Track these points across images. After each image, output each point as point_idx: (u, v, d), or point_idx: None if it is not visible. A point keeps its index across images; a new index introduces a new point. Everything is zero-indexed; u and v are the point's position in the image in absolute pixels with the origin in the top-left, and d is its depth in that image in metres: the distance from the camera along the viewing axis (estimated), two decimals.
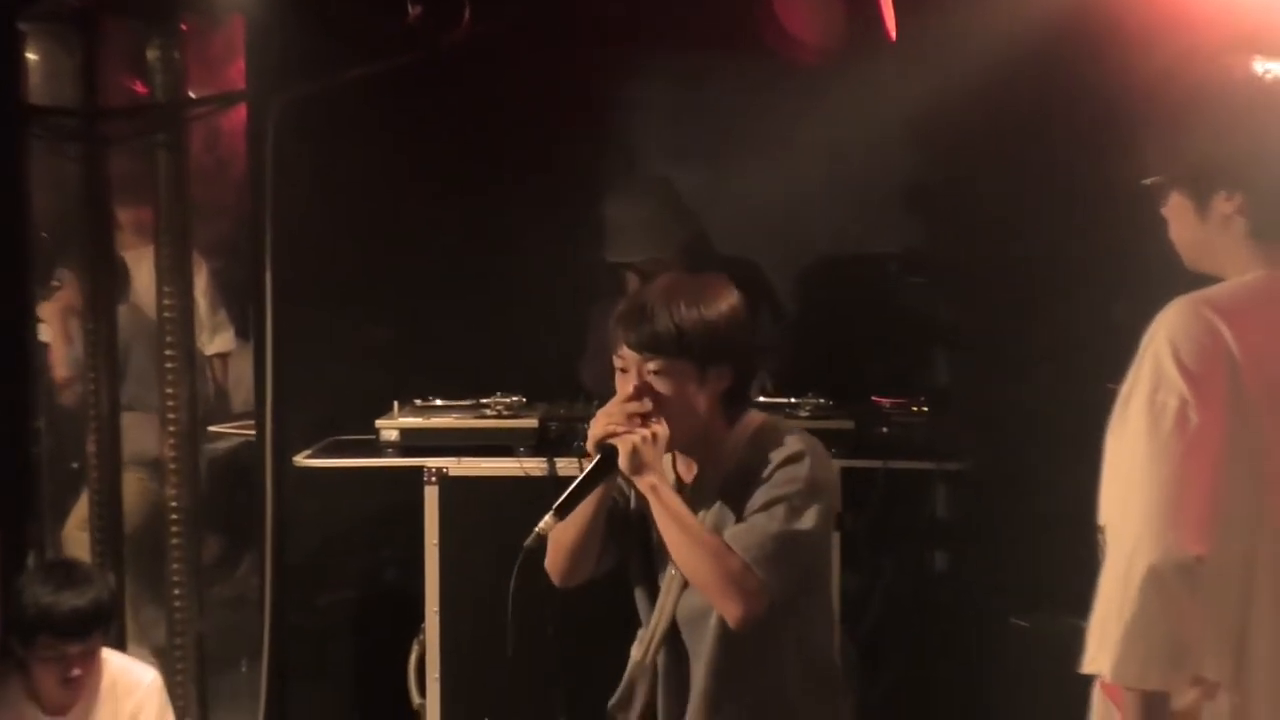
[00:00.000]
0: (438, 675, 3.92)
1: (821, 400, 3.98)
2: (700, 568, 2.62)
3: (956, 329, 4.58)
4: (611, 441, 2.63)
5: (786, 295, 4.78)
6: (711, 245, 4.58)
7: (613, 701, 2.86)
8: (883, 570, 4.05)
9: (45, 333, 4.71)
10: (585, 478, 2.65)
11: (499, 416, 4.00)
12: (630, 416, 2.64)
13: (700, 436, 2.72)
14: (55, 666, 3.65)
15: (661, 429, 2.63)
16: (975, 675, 3.92)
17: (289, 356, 4.28)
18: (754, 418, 2.77)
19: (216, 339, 5.15)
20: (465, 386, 4.14)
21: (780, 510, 2.61)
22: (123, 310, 4.64)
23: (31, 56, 4.40)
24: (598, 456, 2.65)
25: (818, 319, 4.79)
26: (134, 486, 4.65)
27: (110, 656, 3.84)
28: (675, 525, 2.63)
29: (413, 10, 4.05)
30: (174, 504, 4.40)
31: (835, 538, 3.27)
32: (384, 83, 4.23)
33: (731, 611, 2.60)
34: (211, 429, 4.84)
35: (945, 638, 4.02)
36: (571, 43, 4.51)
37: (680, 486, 2.76)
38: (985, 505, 4.05)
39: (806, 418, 3.88)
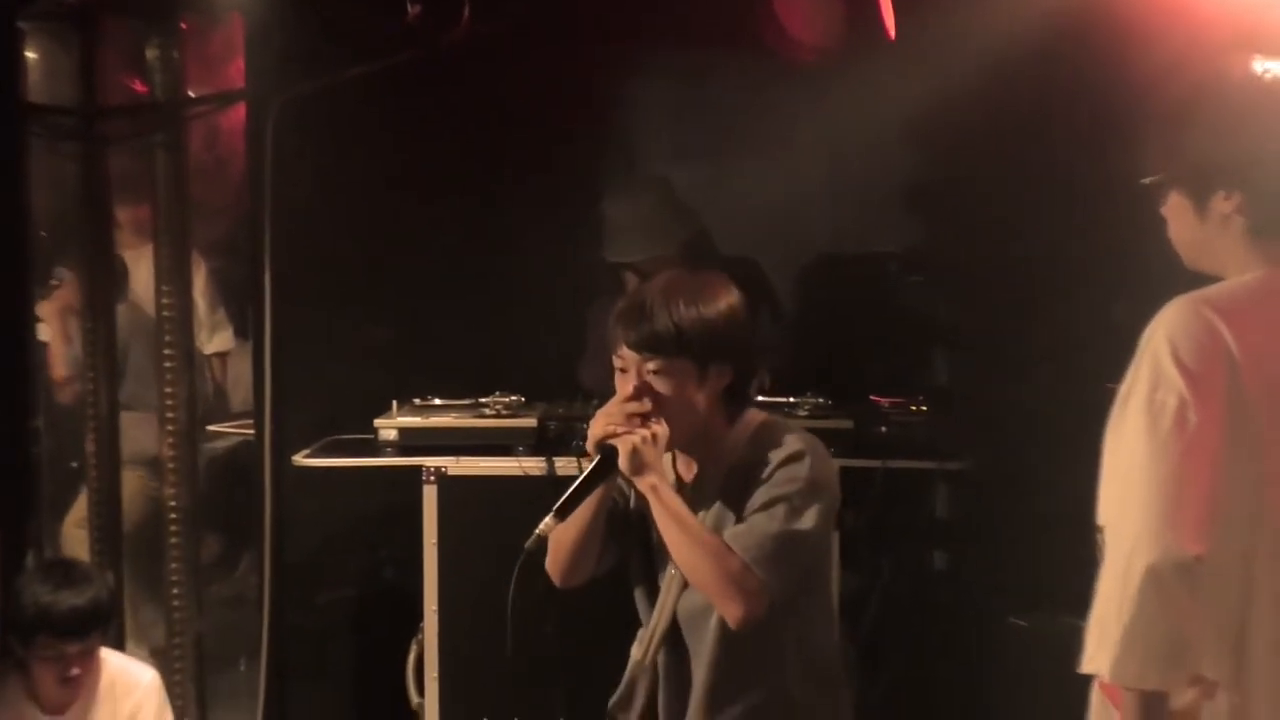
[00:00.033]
0: (436, 675, 3.91)
1: (820, 400, 3.97)
2: (700, 568, 2.62)
3: (956, 329, 4.57)
4: (611, 442, 2.63)
5: (786, 294, 4.78)
6: (711, 244, 4.58)
7: (613, 701, 2.86)
8: (882, 570, 4.04)
9: (44, 332, 4.71)
10: (585, 479, 2.64)
11: (498, 416, 4.00)
12: (630, 417, 2.64)
13: (700, 435, 2.72)
14: (54, 666, 3.65)
15: (661, 429, 2.63)
16: (974, 675, 3.92)
17: (288, 356, 4.28)
18: (754, 416, 2.77)
19: (215, 338, 5.15)
20: (464, 386, 4.14)
21: (780, 510, 2.61)
22: (121, 309, 4.64)
23: (31, 55, 4.40)
24: (598, 457, 2.65)
25: (817, 318, 4.79)
26: (133, 485, 4.65)
27: (109, 656, 3.84)
28: (675, 525, 2.63)
29: (412, 9, 4.05)
30: (173, 503, 4.39)
31: (835, 537, 3.25)
32: (383, 82, 4.23)
33: (732, 611, 2.60)
34: (210, 428, 4.84)
35: (944, 637, 4.01)
36: (571, 41, 4.50)
37: (680, 486, 2.76)
38: (984, 505, 4.05)
39: (805, 417, 3.88)
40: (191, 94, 4.49)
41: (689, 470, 2.78)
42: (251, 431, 4.37)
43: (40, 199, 4.38)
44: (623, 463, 2.62)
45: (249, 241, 4.38)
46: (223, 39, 4.62)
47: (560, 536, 2.70)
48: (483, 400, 4.06)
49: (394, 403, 4.08)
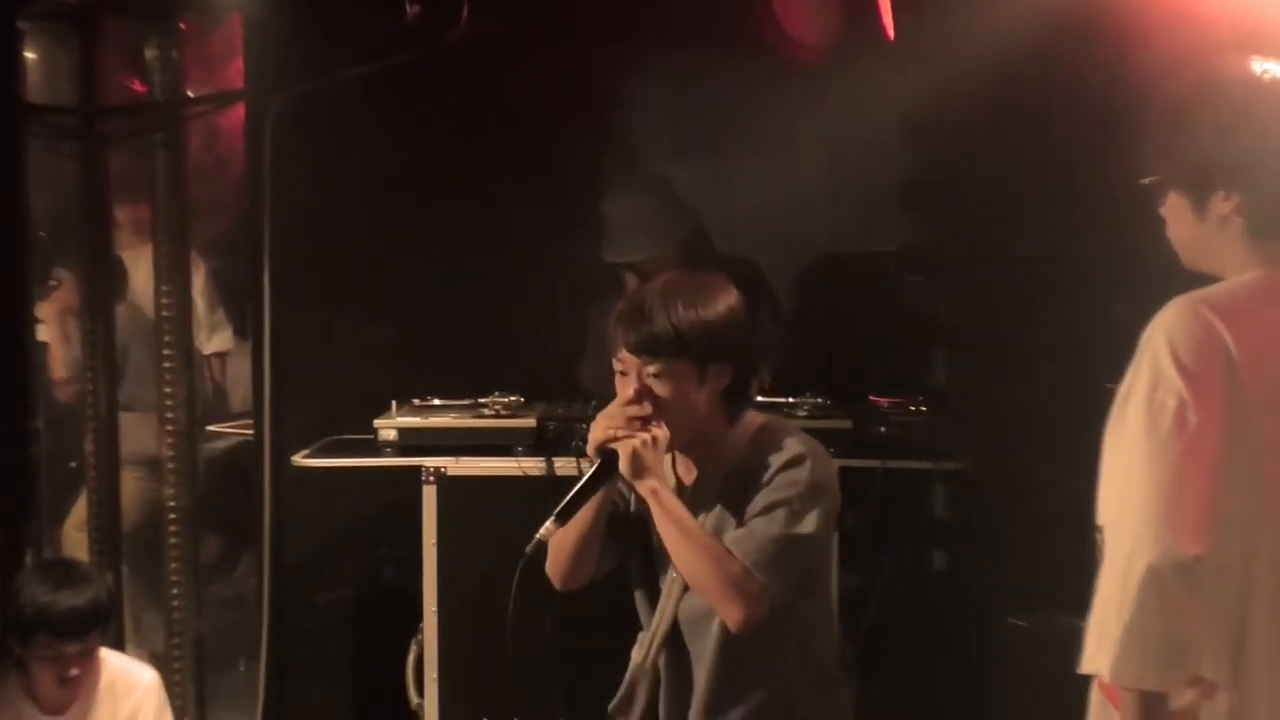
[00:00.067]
0: (436, 675, 3.91)
1: (820, 400, 3.97)
2: (700, 571, 2.62)
3: (955, 329, 4.57)
4: (612, 446, 2.63)
5: (785, 294, 4.78)
6: (711, 244, 4.57)
7: (613, 704, 2.86)
8: (881, 570, 4.04)
9: (43, 333, 4.71)
10: (585, 482, 2.64)
11: (497, 416, 4.00)
12: (630, 420, 2.64)
13: (700, 436, 2.72)
14: (53, 666, 3.65)
15: (661, 432, 2.63)
16: (974, 675, 3.91)
17: (287, 356, 4.28)
18: (754, 418, 2.77)
19: (215, 338, 5.15)
20: (464, 386, 4.14)
21: (780, 514, 2.61)
22: (120, 310, 4.64)
23: (30, 55, 4.40)
24: (598, 461, 2.65)
25: (817, 318, 4.79)
26: (132, 486, 4.65)
27: (109, 656, 3.84)
28: (675, 528, 2.63)
29: (411, 9, 4.05)
30: (172, 503, 4.40)
31: (834, 539, 3.25)
32: (382, 82, 4.23)
33: (732, 615, 2.60)
34: (210, 428, 4.84)
35: (944, 637, 4.01)
36: (571, 41, 4.50)
37: (680, 489, 2.76)
38: (984, 505, 4.05)
39: (805, 417, 3.88)
40: (191, 94, 4.49)
41: (689, 474, 2.78)
42: (251, 432, 4.37)
43: (39, 199, 4.38)
44: (623, 466, 2.62)
45: (248, 241, 4.38)
46: (222, 39, 4.62)
47: (560, 540, 2.71)
48: (482, 400, 4.06)
49: (393, 403, 4.08)
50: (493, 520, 3.77)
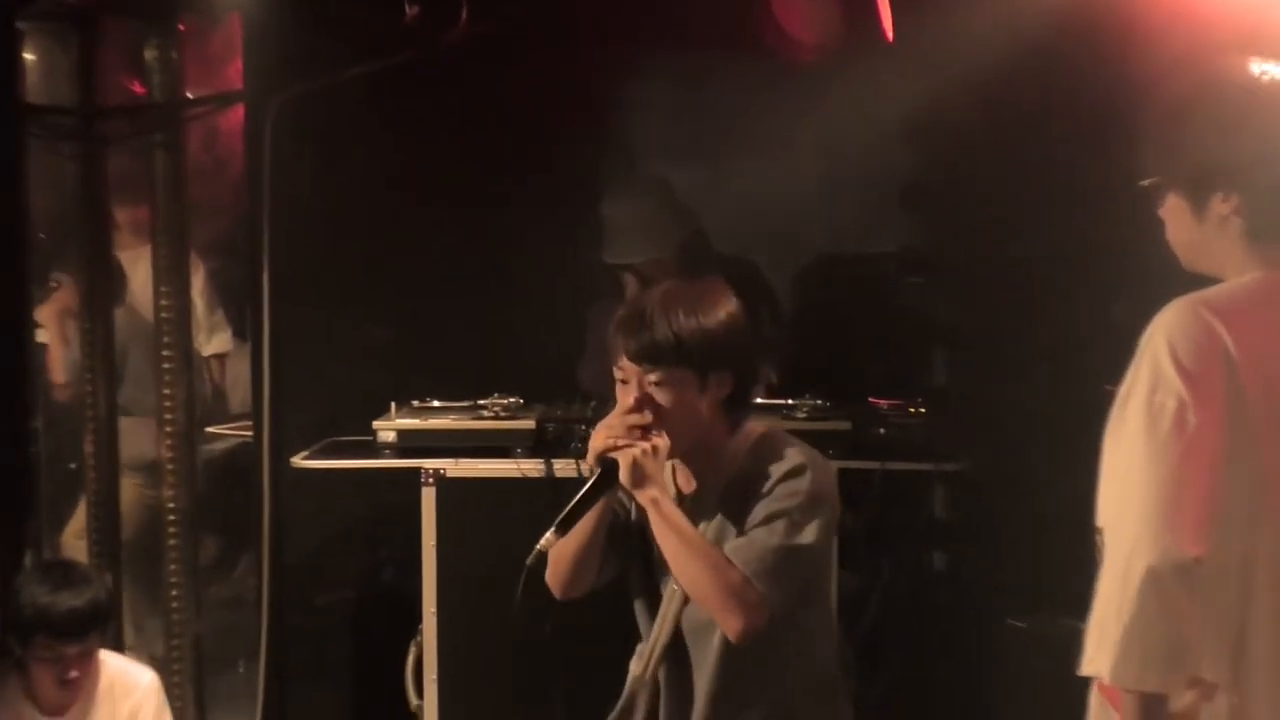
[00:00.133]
0: (435, 676, 3.91)
1: (819, 401, 3.97)
2: (700, 580, 2.62)
3: (955, 329, 4.57)
4: (612, 455, 2.63)
5: (785, 295, 4.78)
6: (710, 245, 4.58)
7: (612, 717, 2.85)
8: (881, 571, 4.04)
9: (43, 335, 4.71)
10: (585, 492, 2.64)
11: (496, 418, 4.00)
12: (631, 429, 2.63)
13: (700, 444, 2.72)
14: (53, 667, 3.65)
15: (662, 441, 2.63)
16: (973, 676, 3.91)
17: (287, 357, 4.28)
18: (755, 427, 2.77)
19: (214, 339, 5.14)
20: (463, 387, 4.13)
21: (781, 525, 2.61)
22: (119, 313, 4.64)
23: (29, 56, 4.40)
24: (598, 470, 2.65)
25: (816, 319, 4.79)
26: (130, 493, 4.65)
27: (108, 658, 3.84)
28: (675, 538, 2.62)
29: (410, 10, 4.04)
30: (171, 505, 4.39)
31: (834, 545, 3.24)
32: (382, 82, 4.23)
33: (732, 625, 2.60)
34: (209, 430, 4.83)
35: (943, 639, 4.01)
36: (570, 42, 4.50)
37: (680, 499, 2.75)
38: (983, 506, 4.05)
39: (804, 419, 3.88)
40: (190, 95, 4.49)
41: (689, 483, 2.78)
42: (250, 433, 4.37)
43: (39, 200, 4.38)
44: (624, 476, 2.62)
45: (247, 243, 4.38)
46: (221, 40, 4.61)
47: (560, 549, 2.70)
48: (481, 402, 4.05)
49: (393, 404, 4.08)
50: (492, 522, 3.77)
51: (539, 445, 3.91)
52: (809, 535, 2.62)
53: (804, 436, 2.87)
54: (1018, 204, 4.10)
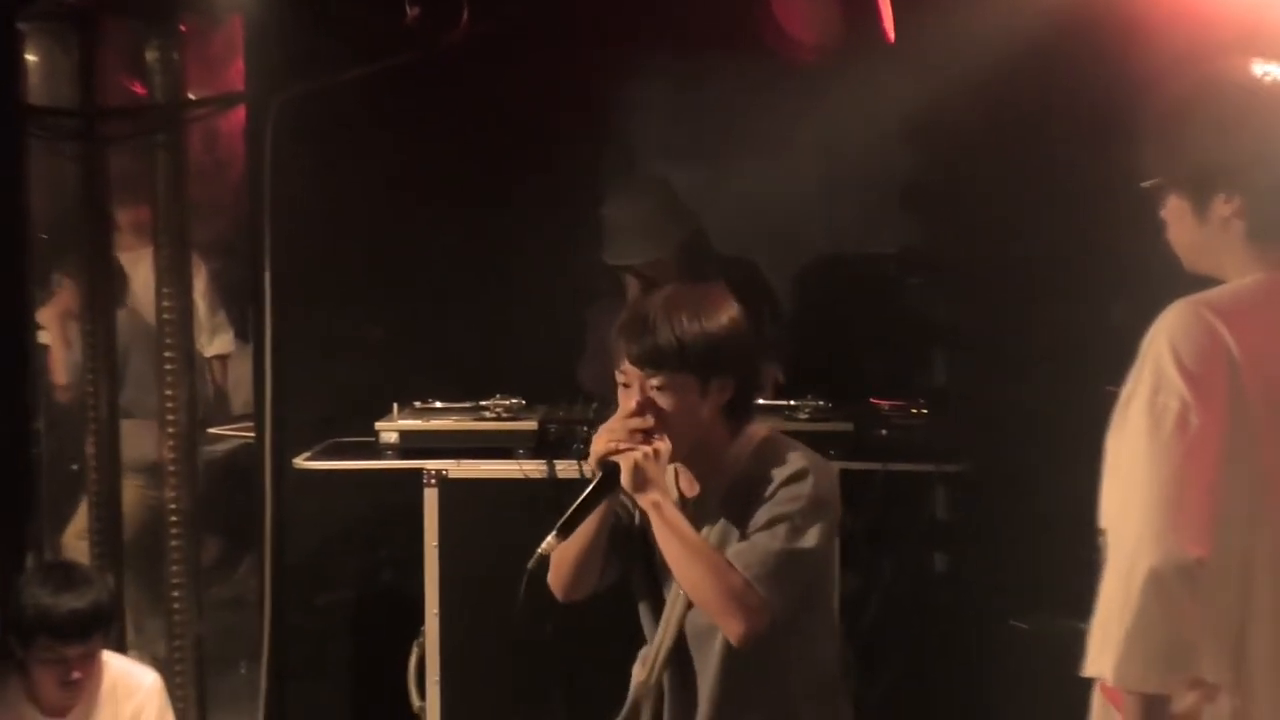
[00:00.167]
0: (437, 678, 3.91)
1: (821, 402, 3.97)
2: (701, 584, 2.62)
3: (956, 329, 4.57)
4: (614, 459, 2.63)
5: (786, 296, 4.78)
6: (710, 245, 4.57)
7: None
8: (882, 572, 4.04)
9: (44, 337, 4.71)
10: (587, 496, 2.64)
11: (498, 419, 3.99)
12: (632, 433, 2.64)
13: (702, 448, 2.72)
14: (55, 669, 3.65)
15: (664, 445, 2.63)
16: (974, 677, 3.91)
17: (288, 358, 4.28)
18: (757, 430, 2.77)
19: (216, 341, 5.14)
20: (465, 388, 4.13)
21: (782, 529, 2.62)
22: (121, 314, 4.64)
23: (30, 57, 4.40)
24: (599, 474, 2.65)
25: (817, 320, 4.79)
26: (132, 494, 4.65)
27: (110, 659, 3.84)
28: (677, 541, 2.63)
29: (411, 10, 4.04)
30: (173, 506, 4.40)
31: (836, 547, 3.24)
32: (383, 83, 4.23)
33: (733, 628, 2.60)
34: (211, 431, 4.83)
35: (945, 640, 4.01)
36: (570, 43, 4.50)
37: (683, 503, 2.76)
38: (984, 507, 4.04)
39: (805, 420, 3.88)
40: (191, 95, 4.49)
41: (691, 487, 2.78)
42: (252, 434, 4.37)
43: (40, 201, 4.38)
44: (625, 479, 2.62)
45: (249, 243, 4.38)
46: (222, 41, 4.61)
47: (562, 552, 2.70)
48: (483, 403, 4.05)
49: (394, 405, 4.08)
50: (494, 523, 3.76)
51: (541, 446, 3.91)
52: (810, 539, 2.62)
53: (806, 437, 2.89)
54: (1018, 204, 4.11)
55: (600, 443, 2.65)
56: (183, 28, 4.40)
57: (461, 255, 4.64)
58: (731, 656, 2.68)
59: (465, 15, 4.08)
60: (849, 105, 4.26)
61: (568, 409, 4.04)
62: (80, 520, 4.60)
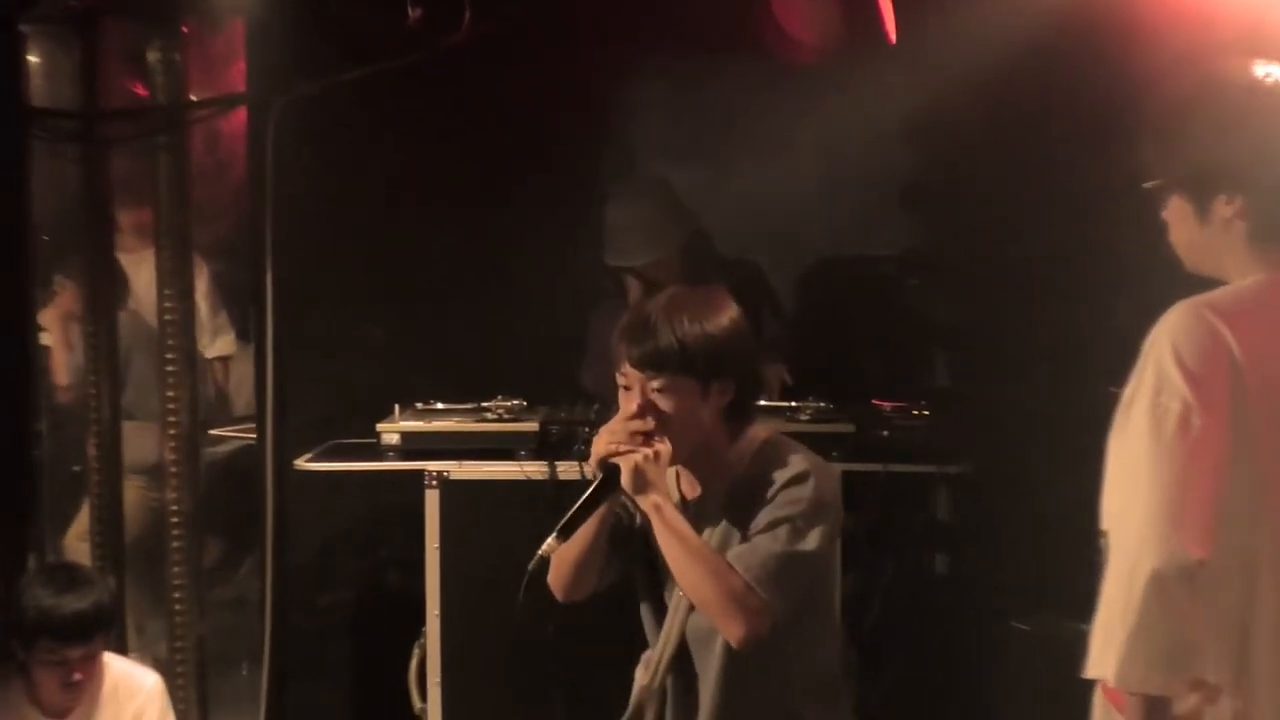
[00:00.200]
0: (439, 680, 3.91)
1: (822, 404, 3.97)
2: (702, 586, 2.62)
3: (957, 330, 4.57)
4: (614, 460, 2.63)
5: (787, 296, 4.78)
6: (711, 246, 4.57)
7: None
8: (883, 573, 4.04)
9: (46, 338, 4.71)
10: (588, 498, 2.65)
11: (500, 420, 3.99)
12: (633, 435, 2.64)
13: (703, 451, 2.72)
14: (56, 670, 3.65)
15: (664, 447, 2.64)
16: (976, 679, 3.92)
17: (290, 359, 4.28)
18: (759, 432, 2.78)
19: (217, 342, 5.13)
20: (466, 389, 4.14)
21: (783, 531, 2.62)
22: (122, 316, 4.64)
23: (32, 58, 4.40)
24: (600, 476, 2.65)
25: (818, 320, 4.79)
26: (134, 495, 4.65)
27: (112, 660, 3.84)
28: (677, 543, 2.63)
29: (413, 12, 4.04)
30: (174, 507, 4.40)
31: (838, 554, 3.25)
32: (384, 84, 4.23)
33: (734, 631, 2.60)
34: (212, 432, 4.83)
35: (946, 641, 4.01)
36: (571, 44, 4.50)
37: (684, 505, 2.76)
38: (986, 508, 4.05)
39: (807, 421, 3.88)
40: (193, 97, 4.49)
41: (692, 489, 2.79)
42: (253, 436, 4.37)
43: (42, 202, 4.38)
44: (625, 481, 2.62)
45: (250, 245, 4.38)
46: (224, 42, 4.61)
47: (563, 554, 2.70)
48: (484, 404, 4.05)
49: (396, 406, 4.08)
50: (495, 524, 3.77)
51: (542, 448, 3.91)
52: (812, 542, 2.62)
53: (807, 439, 2.89)
54: (1018, 204, 4.11)
55: (601, 444, 2.65)
56: (184, 29, 4.40)
57: (462, 255, 4.64)
58: (733, 659, 2.68)
59: (467, 16, 4.08)
60: (849, 105, 4.26)
61: (569, 410, 4.04)
62: (82, 522, 4.60)
